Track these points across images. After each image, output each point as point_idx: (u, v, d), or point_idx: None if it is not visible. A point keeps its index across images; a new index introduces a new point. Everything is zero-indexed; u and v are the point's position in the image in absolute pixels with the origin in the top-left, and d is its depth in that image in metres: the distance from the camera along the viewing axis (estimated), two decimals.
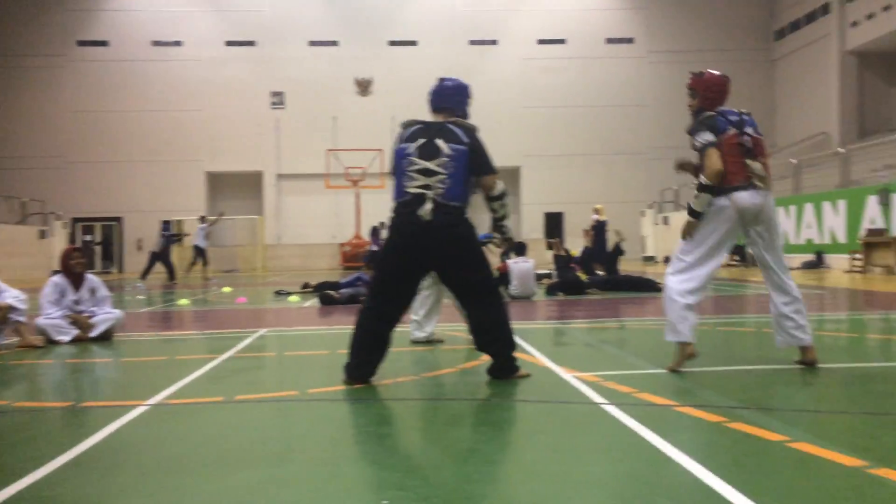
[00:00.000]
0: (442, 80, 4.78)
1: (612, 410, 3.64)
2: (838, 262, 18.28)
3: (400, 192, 4.48)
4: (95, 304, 7.24)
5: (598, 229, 16.63)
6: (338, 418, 3.81)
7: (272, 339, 7.22)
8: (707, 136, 4.49)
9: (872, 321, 7.53)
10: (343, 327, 8.08)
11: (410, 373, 4.89)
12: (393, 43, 33.65)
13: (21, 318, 6.64)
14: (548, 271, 14.40)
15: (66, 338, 6.84)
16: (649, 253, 29.83)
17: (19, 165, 31.67)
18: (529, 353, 5.63)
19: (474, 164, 4.44)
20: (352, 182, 30.04)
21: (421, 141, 4.47)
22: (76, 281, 7.22)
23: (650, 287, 12.13)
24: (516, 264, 11.34)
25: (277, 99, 33.32)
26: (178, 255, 23.21)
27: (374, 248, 27.92)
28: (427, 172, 4.38)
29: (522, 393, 4.21)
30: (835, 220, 19.07)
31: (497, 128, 31.43)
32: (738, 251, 20.08)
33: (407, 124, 4.69)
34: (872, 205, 17.45)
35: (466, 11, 33.70)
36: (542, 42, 34.07)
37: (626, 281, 12.72)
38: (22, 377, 5.53)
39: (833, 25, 29.82)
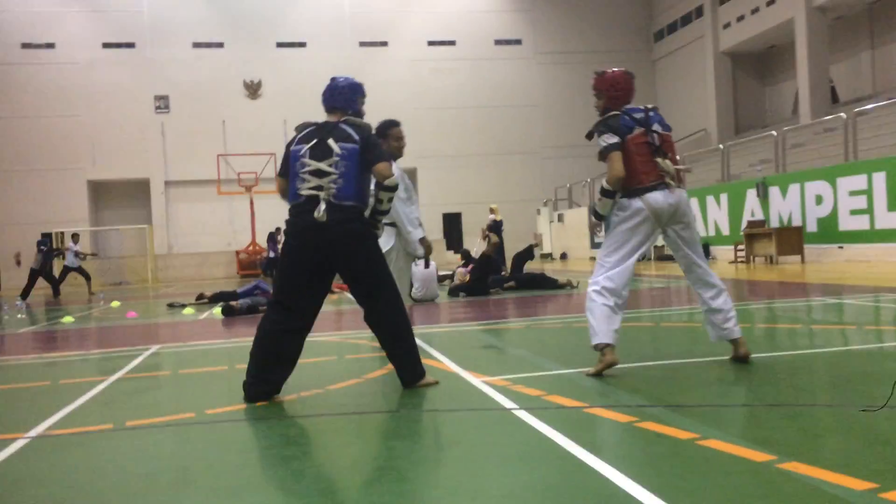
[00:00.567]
0: (333, 79, 4.68)
1: (524, 415, 3.60)
2: (724, 254, 19.12)
3: (294, 194, 4.39)
4: None
5: (495, 229, 16.80)
6: (239, 441, 3.61)
7: (166, 356, 6.87)
8: (610, 139, 4.43)
9: (759, 310, 7.85)
10: (243, 340, 7.79)
11: (314, 386, 4.72)
12: (281, 45, 33.06)
13: None
14: (450, 272, 14.41)
15: None
16: (546, 250, 30.42)
17: None
18: (436, 358, 5.56)
19: (366, 158, 4.34)
20: (245, 188, 29.27)
21: (313, 142, 4.39)
22: None
23: (551, 285, 12.32)
24: (418, 267, 11.27)
25: (161, 103, 32.13)
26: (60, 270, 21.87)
27: (272, 254, 27.33)
28: (319, 173, 4.30)
29: (432, 402, 4.13)
30: (718, 214, 19.94)
31: None
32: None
33: (300, 127, 4.60)
34: (752, 197, 18.35)
35: (355, 12, 33.50)
36: (431, 43, 34.26)
37: (527, 279, 12.83)
38: None
39: (707, 27, 31.30)
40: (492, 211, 17.96)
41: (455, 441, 3.29)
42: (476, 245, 20.01)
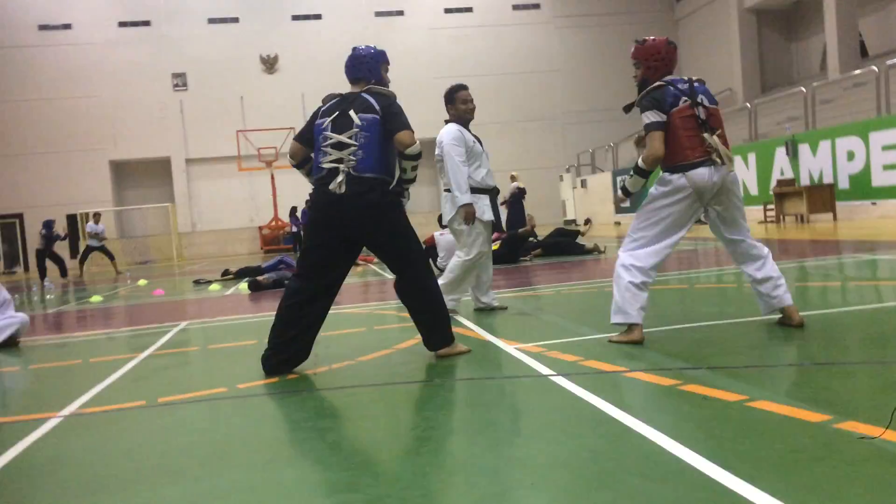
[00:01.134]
0: (355, 49, 4.57)
1: (562, 382, 3.50)
2: (753, 214, 18.79)
3: (317, 168, 4.34)
4: None
5: (518, 196, 16.61)
6: (273, 415, 3.55)
7: (195, 332, 6.85)
8: (654, 117, 4.13)
9: (793, 269, 7.66)
10: (270, 314, 7.75)
11: (346, 357, 4.66)
12: (296, 17, 32.78)
13: None
14: None
15: None
16: (570, 216, 30.17)
17: None
18: (466, 326, 5.48)
19: (389, 128, 4.23)
20: (266, 163, 29.26)
21: (336, 114, 4.31)
22: None
23: (579, 250, 12.18)
24: (443, 236, 11.16)
25: (179, 80, 32.07)
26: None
27: (295, 229, 27.38)
28: (339, 146, 4.23)
29: (465, 370, 4.04)
30: (746, 174, 19.58)
31: (407, 100, 30.82)
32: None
33: (326, 99, 4.51)
34: (781, 156, 17.98)
35: None
36: (448, 11, 33.80)
37: (554, 245, 12.69)
38: None
39: None
40: (513, 178, 17.75)
41: (493, 409, 3.19)
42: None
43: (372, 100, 4.29)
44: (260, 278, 10.74)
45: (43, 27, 31.15)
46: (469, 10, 33.92)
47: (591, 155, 31.17)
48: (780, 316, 4.40)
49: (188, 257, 29.97)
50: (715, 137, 4.15)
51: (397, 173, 4.40)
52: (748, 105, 22.16)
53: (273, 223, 29.85)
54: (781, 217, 16.89)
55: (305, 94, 31.08)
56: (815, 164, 16.88)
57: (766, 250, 4.39)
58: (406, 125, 4.28)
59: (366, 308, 7.45)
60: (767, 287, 4.30)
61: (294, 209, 27.77)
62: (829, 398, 2.88)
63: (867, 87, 18.82)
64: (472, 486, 2.30)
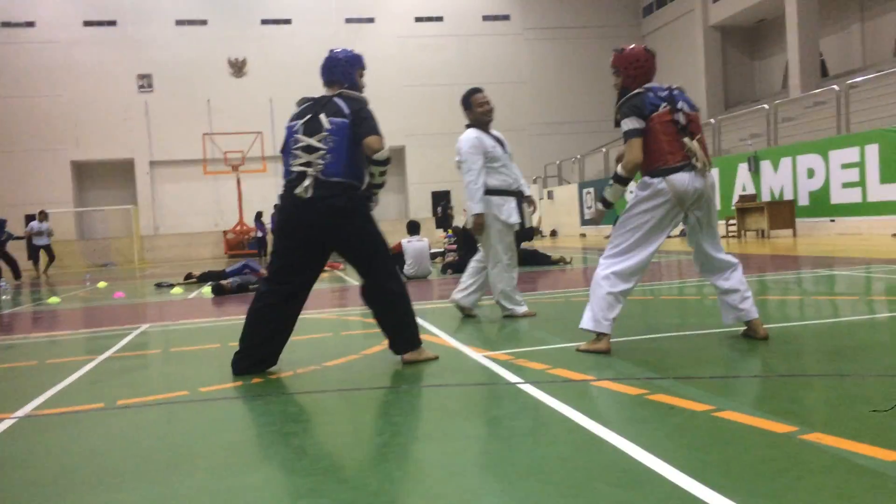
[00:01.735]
0: (331, 51, 4.58)
1: (530, 389, 3.49)
2: None
3: (286, 170, 4.33)
4: None
5: None
6: (236, 419, 3.48)
7: (156, 335, 6.72)
8: (633, 123, 4.15)
9: (754, 283, 7.77)
10: (233, 318, 7.66)
11: (311, 362, 4.60)
12: (266, 21, 32.58)
13: None
14: (441, 250, 14.28)
15: None
16: (534, 226, 30.31)
17: None
18: (434, 333, 5.45)
19: (357, 132, 4.21)
20: (231, 167, 28.97)
21: (307, 117, 4.30)
22: None
23: (545, 261, 12.23)
24: (410, 243, 11.15)
25: (145, 82, 31.65)
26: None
27: (260, 234, 27.12)
28: (309, 149, 4.22)
29: (433, 377, 4.01)
30: None
31: (378, 107, 30.60)
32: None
33: (300, 102, 4.52)
34: (743, 172, 18.27)
35: None
36: (419, 20, 33.87)
37: (521, 256, 12.72)
38: None
39: (696, 1, 31.04)
40: None
41: (461, 416, 3.17)
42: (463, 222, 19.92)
43: (343, 104, 4.28)
44: (224, 283, 10.60)
45: (5, 24, 30.54)
46: (440, 19, 34.03)
47: (557, 166, 31.40)
48: (745, 328, 4.44)
49: (150, 260, 29.51)
50: (695, 142, 4.16)
51: (367, 179, 4.38)
52: (712, 121, 22.50)
53: (238, 228, 29.55)
54: (743, 232, 17.15)
55: (273, 98, 30.86)
56: (776, 180, 17.18)
57: (735, 261, 4.41)
58: (375, 130, 4.25)
59: (332, 313, 7.39)
60: (734, 299, 4.32)
61: (259, 214, 27.53)
62: (793, 409, 2.90)
63: (827, 106, 19.24)
64: (440, 493, 2.28)
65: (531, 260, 12.40)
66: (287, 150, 4.36)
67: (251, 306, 4.41)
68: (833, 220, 15.57)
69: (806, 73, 25.08)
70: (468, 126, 6.08)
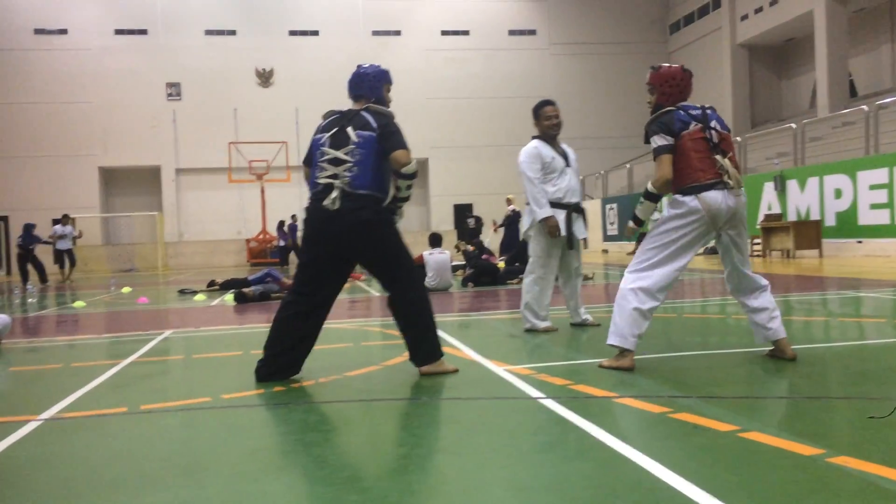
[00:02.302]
0: (359, 66, 4.64)
1: (552, 405, 3.47)
2: None
3: (312, 182, 4.39)
4: None
5: (513, 219, 16.64)
6: (257, 426, 3.49)
7: (179, 341, 6.77)
8: (662, 140, 4.13)
9: (777, 304, 7.68)
10: (256, 326, 7.70)
11: (332, 372, 4.61)
12: (293, 33, 32.86)
13: None
14: (462, 263, 14.30)
15: None
16: None
17: None
18: (455, 346, 5.44)
19: (385, 146, 4.26)
20: (256, 176, 29.19)
21: (334, 130, 4.35)
22: None
23: None
24: (432, 256, 11.16)
25: (173, 90, 32.01)
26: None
27: (282, 243, 27.28)
28: (336, 162, 4.27)
29: (453, 390, 4.00)
30: None
31: (402, 119, 30.49)
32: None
33: (326, 115, 4.56)
34: (769, 191, 18.12)
35: (369, 1, 33.26)
36: (445, 33, 34.00)
37: None
38: None
39: (724, 19, 30.94)
40: (509, 202, 17.80)
41: (481, 430, 3.16)
42: (490, 236, 19.91)
43: (370, 118, 4.33)
44: (246, 290, 10.66)
45: (39, 31, 31.06)
46: (466, 33, 34.15)
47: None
48: (772, 348, 4.39)
49: (173, 267, 29.77)
50: (727, 160, 4.12)
51: (392, 192, 4.42)
52: (738, 139, 22.34)
53: (261, 236, 29.73)
54: (767, 251, 16.98)
55: (299, 108, 31.10)
56: (802, 200, 17.01)
57: (765, 282, 4.35)
58: (403, 144, 4.30)
59: (353, 324, 7.40)
60: (762, 318, 4.28)
61: (282, 223, 27.71)
62: (819, 431, 2.86)
63: (856, 127, 19.04)
64: None
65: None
66: (313, 163, 4.42)
67: (277, 315, 4.47)
68: (860, 242, 15.38)
69: (834, 92, 24.87)
70: (534, 137, 6.21)
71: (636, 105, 30.80)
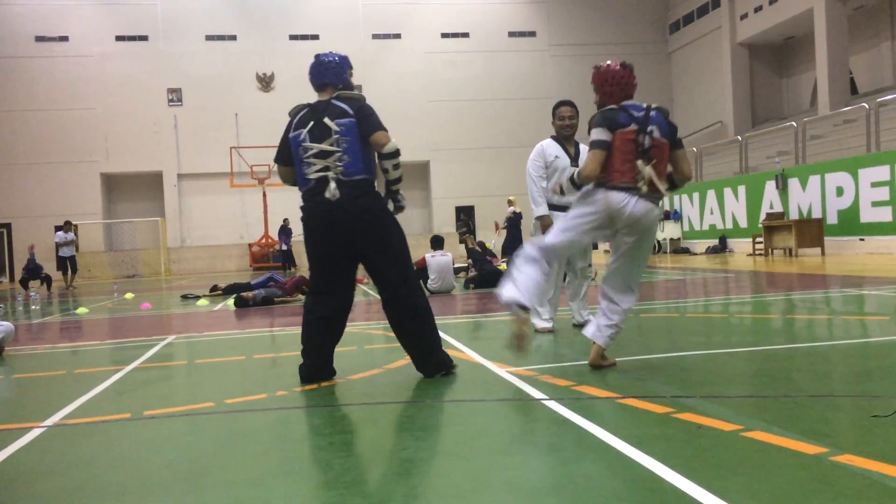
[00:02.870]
0: (318, 55, 4.58)
1: (554, 406, 3.47)
2: (741, 247, 18.89)
3: (303, 180, 4.36)
4: None
5: (514, 221, 16.64)
6: (261, 431, 3.49)
7: (182, 347, 6.78)
8: (600, 135, 4.11)
9: (779, 302, 7.68)
10: (259, 330, 7.71)
11: (336, 376, 4.60)
12: (294, 37, 32.90)
13: None
14: (465, 265, 14.30)
15: None
16: None
17: None
18: (457, 348, 5.44)
19: (364, 129, 4.26)
20: (258, 180, 29.21)
21: (310, 124, 4.33)
22: None
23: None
24: (434, 258, 11.16)
25: (174, 96, 32.07)
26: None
27: (285, 247, 27.29)
28: (323, 154, 4.26)
29: (457, 392, 4.00)
30: (736, 206, 19.70)
31: (403, 122, 31.23)
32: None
33: (294, 111, 4.54)
34: (770, 190, 18.11)
35: (368, 4, 33.32)
36: (445, 36, 34.02)
37: None
38: None
39: (724, 18, 30.92)
40: (511, 203, 17.80)
41: (484, 432, 3.16)
42: (495, 237, 19.91)
43: (343, 105, 4.32)
44: (247, 295, 10.66)
45: (40, 39, 31.13)
46: (466, 35, 34.17)
47: None
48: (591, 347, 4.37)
49: (176, 272, 29.80)
50: (649, 167, 4.06)
51: (377, 172, 4.42)
52: (739, 138, 22.35)
53: (263, 240, 29.76)
54: (770, 250, 16.97)
55: None
56: (804, 198, 17.00)
57: (631, 304, 4.31)
58: (380, 126, 4.31)
59: (355, 327, 7.40)
60: (604, 321, 4.27)
61: (283, 227, 27.72)
62: (823, 430, 2.86)
63: (857, 124, 19.03)
64: None
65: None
66: (297, 160, 4.38)
67: (304, 319, 4.49)
68: (863, 239, 15.36)
69: (835, 90, 24.85)
70: (551, 137, 6.26)
71: None
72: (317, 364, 4.45)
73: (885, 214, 14.76)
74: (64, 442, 3.40)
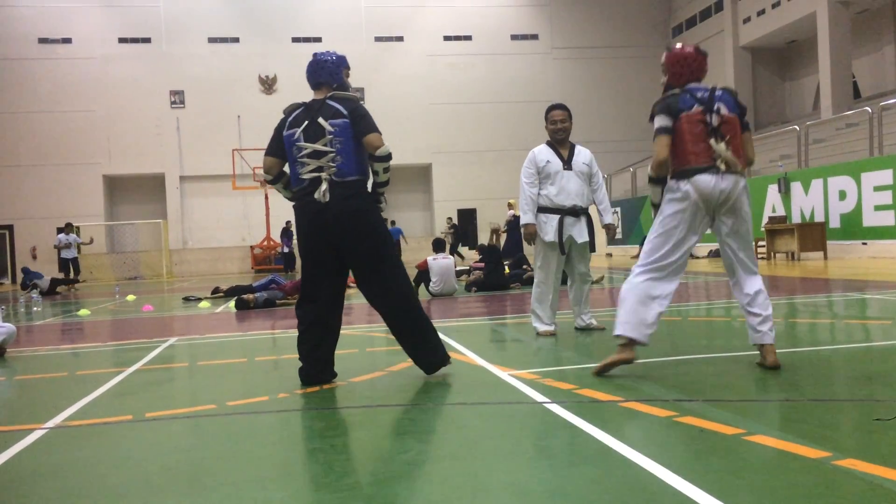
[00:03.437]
0: (315, 54, 4.60)
1: (557, 409, 3.46)
2: None
3: (296, 179, 4.38)
4: None
5: (514, 224, 16.62)
6: (263, 433, 3.49)
7: (184, 349, 6.78)
8: (661, 121, 4.10)
9: (781, 306, 7.67)
10: (260, 333, 7.71)
11: (337, 378, 4.60)
12: (296, 39, 32.93)
13: None
14: (466, 268, 14.29)
15: None
16: None
17: None
18: (459, 351, 5.44)
19: (357, 130, 4.28)
20: (260, 182, 29.17)
21: (305, 123, 4.35)
22: None
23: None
24: (436, 261, 11.15)
25: (177, 98, 32.10)
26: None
27: (286, 249, 27.29)
28: (316, 154, 4.28)
29: (459, 395, 3.99)
30: None
31: (405, 124, 31.28)
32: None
33: (288, 109, 4.56)
34: (773, 193, 18.09)
35: (371, 7, 33.33)
36: (447, 38, 34.04)
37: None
38: None
39: (727, 22, 30.93)
40: (510, 206, 17.81)
41: (487, 435, 3.15)
42: (495, 241, 19.90)
43: (338, 105, 4.33)
44: (248, 297, 10.66)
45: (43, 40, 31.18)
46: (468, 38, 34.19)
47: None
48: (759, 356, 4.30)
49: (178, 274, 29.81)
50: (722, 144, 4.06)
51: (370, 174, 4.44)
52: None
53: (265, 243, 29.76)
54: (772, 254, 16.95)
55: None
56: (806, 202, 16.98)
57: (760, 286, 4.25)
58: (374, 127, 4.32)
59: (356, 329, 7.40)
60: (754, 321, 4.20)
61: (286, 229, 27.71)
62: (825, 434, 2.85)
63: (860, 128, 19.02)
64: None
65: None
66: (291, 160, 4.40)
67: (298, 329, 4.48)
68: (865, 243, 15.34)
69: (838, 94, 24.84)
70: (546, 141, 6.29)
71: (639, 109, 30.84)
72: (315, 368, 4.45)
73: (887, 218, 14.74)
74: (66, 444, 3.40)
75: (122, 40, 31.75)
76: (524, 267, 13.22)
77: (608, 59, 34.81)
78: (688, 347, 5.18)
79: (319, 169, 4.27)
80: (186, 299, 13.27)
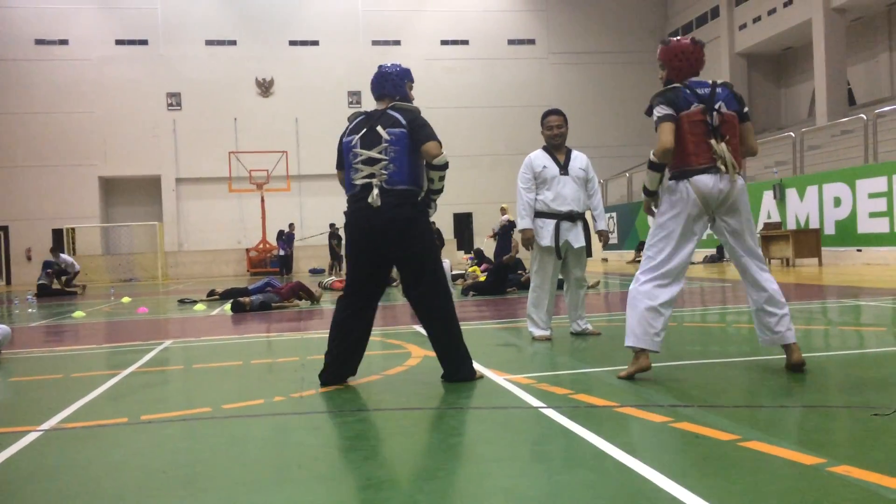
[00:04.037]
0: (381, 66, 4.69)
1: (552, 414, 3.47)
2: None
3: (349, 185, 4.47)
4: None
5: (507, 229, 16.63)
6: (258, 437, 3.48)
7: (179, 351, 6.77)
8: (664, 110, 4.06)
9: None
10: (256, 335, 7.70)
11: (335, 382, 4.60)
12: (293, 43, 32.96)
13: None
14: (463, 272, 14.30)
15: None
16: None
17: None
18: None
19: (415, 139, 4.35)
20: (256, 185, 29.21)
21: (363, 131, 4.43)
22: None
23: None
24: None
25: (174, 100, 32.10)
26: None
27: (282, 252, 27.26)
28: (370, 161, 4.35)
29: (455, 399, 4.00)
30: None
31: None
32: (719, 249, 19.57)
33: (352, 117, 4.65)
34: (768, 199, 18.15)
35: (368, 11, 33.38)
36: (444, 43, 34.12)
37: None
38: None
39: (723, 28, 31.07)
40: (503, 211, 17.81)
41: (482, 439, 3.16)
42: (485, 245, 19.92)
43: (398, 115, 4.42)
44: (244, 300, 10.64)
45: (40, 42, 31.16)
46: (465, 42, 34.26)
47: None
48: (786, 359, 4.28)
49: (173, 276, 29.77)
50: (723, 145, 4.05)
51: (425, 185, 4.49)
52: None
53: (261, 246, 29.74)
54: (767, 260, 17.00)
55: (299, 118, 31.17)
56: (801, 208, 17.04)
57: (774, 285, 4.22)
58: (433, 136, 4.40)
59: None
60: (771, 321, 4.16)
61: (281, 232, 27.69)
62: (820, 440, 2.86)
63: (855, 135, 19.10)
64: None
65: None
66: (347, 165, 4.49)
67: (333, 318, 4.54)
68: (860, 250, 15.39)
69: (833, 101, 24.94)
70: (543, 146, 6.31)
71: (635, 114, 30.88)
72: (338, 361, 4.50)
73: (882, 225, 14.80)
74: (60, 446, 3.39)
75: (118, 42, 31.75)
76: (519, 272, 13.21)
77: (604, 64, 34.91)
78: (683, 353, 5.19)
79: (371, 175, 4.34)
80: (182, 302, 13.25)
